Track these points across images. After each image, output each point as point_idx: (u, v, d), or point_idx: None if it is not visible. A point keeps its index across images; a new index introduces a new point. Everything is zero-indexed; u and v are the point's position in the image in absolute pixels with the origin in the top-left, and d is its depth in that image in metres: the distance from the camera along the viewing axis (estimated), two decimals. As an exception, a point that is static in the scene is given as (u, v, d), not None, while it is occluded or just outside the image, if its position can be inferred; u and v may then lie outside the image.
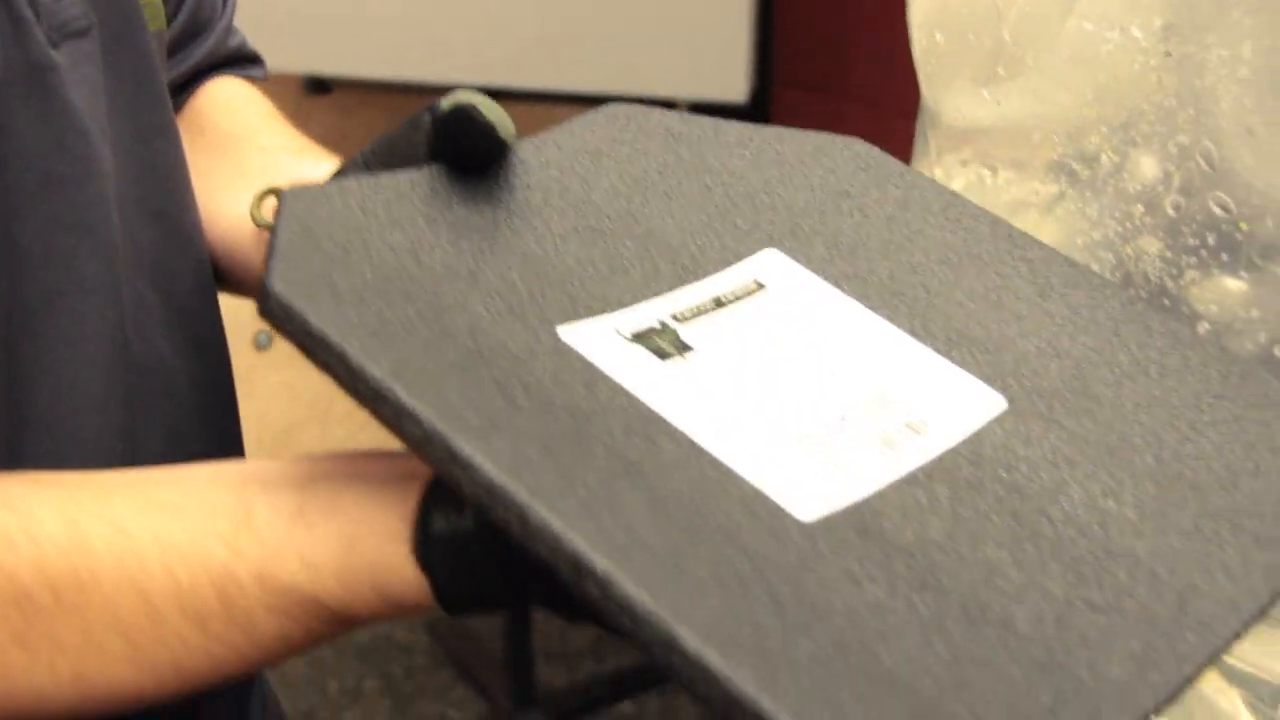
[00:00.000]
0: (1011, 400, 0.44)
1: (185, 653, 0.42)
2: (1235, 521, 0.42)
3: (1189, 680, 0.38)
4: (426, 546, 0.38)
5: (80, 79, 0.51)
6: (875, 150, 0.53)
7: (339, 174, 0.52)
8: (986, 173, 0.58)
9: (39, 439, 0.51)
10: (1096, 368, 0.46)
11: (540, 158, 0.48)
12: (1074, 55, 0.53)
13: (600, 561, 0.34)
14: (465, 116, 0.45)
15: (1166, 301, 0.52)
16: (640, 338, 0.44)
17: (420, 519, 0.39)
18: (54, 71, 0.49)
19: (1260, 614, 0.41)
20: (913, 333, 0.46)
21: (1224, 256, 0.50)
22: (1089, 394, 0.45)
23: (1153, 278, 0.52)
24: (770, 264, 0.47)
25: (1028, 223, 0.56)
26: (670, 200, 0.48)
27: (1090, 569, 0.40)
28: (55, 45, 0.50)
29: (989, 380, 0.44)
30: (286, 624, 0.41)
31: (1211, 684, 0.64)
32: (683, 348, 0.44)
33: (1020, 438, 0.43)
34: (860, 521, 0.39)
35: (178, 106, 0.70)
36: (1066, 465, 0.42)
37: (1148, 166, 0.52)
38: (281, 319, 0.39)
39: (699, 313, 0.45)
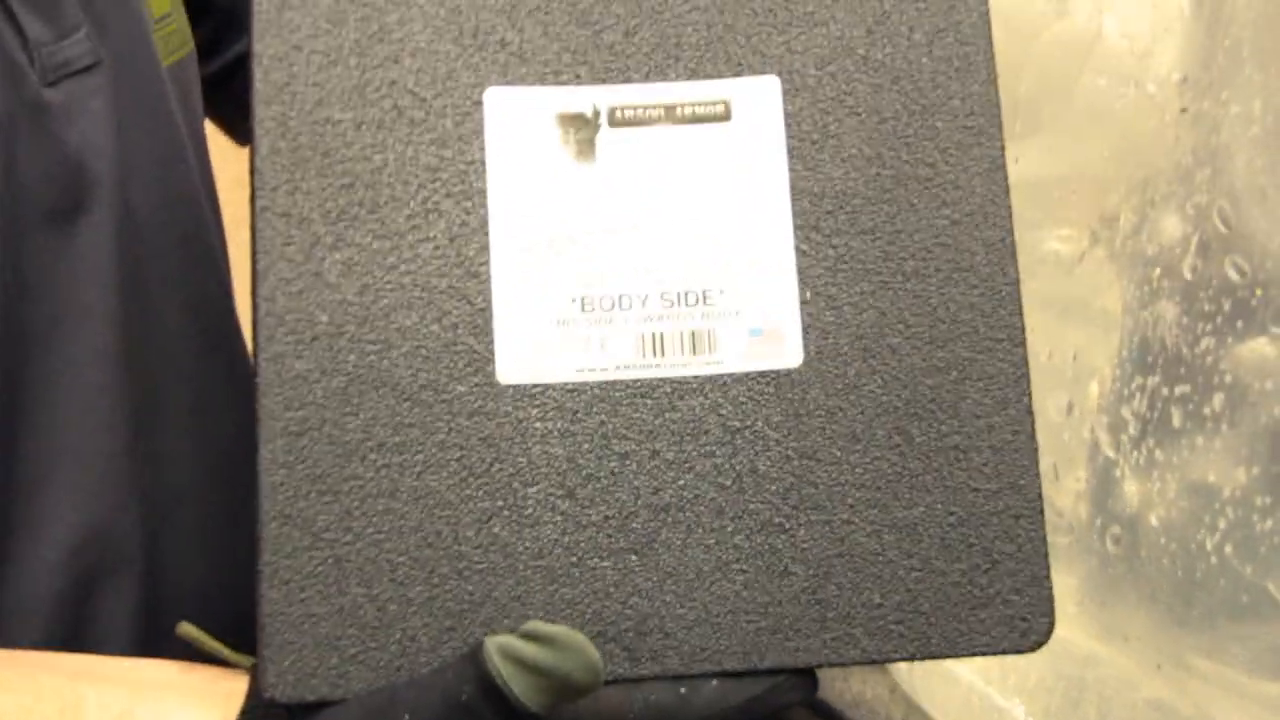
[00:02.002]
0: (808, 358, 0.43)
1: None
2: None
3: None
4: None
5: (81, 113, 0.53)
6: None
7: None
8: (1014, 232, 0.56)
9: (52, 459, 0.54)
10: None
11: None
12: (1090, 111, 0.51)
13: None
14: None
15: (1183, 370, 0.49)
16: (556, 126, 0.43)
17: None
18: (47, 111, 0.52)
19: None
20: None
21: (1239, 324, 0.47)
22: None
23: (1169, 344, 0.49)
24: (757, 94, 0.44)
25: (1049, 281, 0.54)
26: None
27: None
28: (53, 84, 0.52)
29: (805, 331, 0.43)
30: None
31: None
32: (588, 154, 0.43)
33: (792, 402, 0.42)
34: (542, 403, 0.42)
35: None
36: (802, 457, 0.42)
37: (1169, 226, 0.50)
38: None
39: (642, 121, 0.44)
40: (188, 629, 0.44)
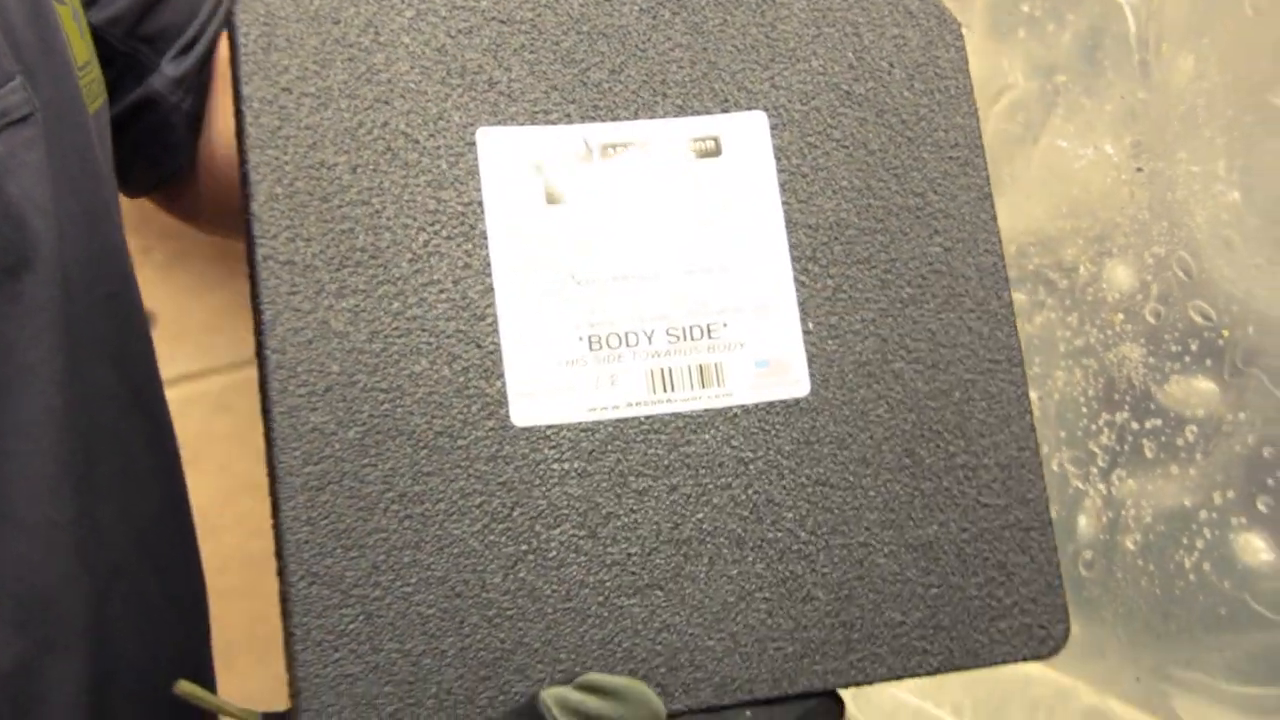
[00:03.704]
0: (815, 387, 0.45)
1: None
2: None
3: None
4: None
5: (19, 165, 0.50)
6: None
7: None
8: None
9: None
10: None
11: None
12: (1049, 172, 0.55)
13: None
14: None
15: (1151, 405, 0.54)
16: (550, 165, 0.44)
17: None
18: None
19: None
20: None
21: (1208, 362, 0.52)
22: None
23: (1137, 383, 0.54)
24: (745, 129, 0.45)
25: (1006, 331, 0.58)
26: (714, 7, 0.46)
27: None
28: None
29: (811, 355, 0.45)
30: None
31: None
32: (584, 193, 0.44)
33: (803, 430, 0.44)
34: (558, 443, 0.42)
35: (208, 78, 0.68)
36: (816, 484, 0.44)
37: (1123, 276, 0.54)
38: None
39: (635, 158, 0.44)
40: (187, 687, 0.42)
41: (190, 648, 0.62)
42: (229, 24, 0.43)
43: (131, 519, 0.58)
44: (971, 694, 0.67)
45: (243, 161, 0.42)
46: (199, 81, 0.68)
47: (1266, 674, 0.51)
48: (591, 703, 0.39)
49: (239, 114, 0.42)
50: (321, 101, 0.42)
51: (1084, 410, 0.56)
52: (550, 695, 0.39)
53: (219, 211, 0.72)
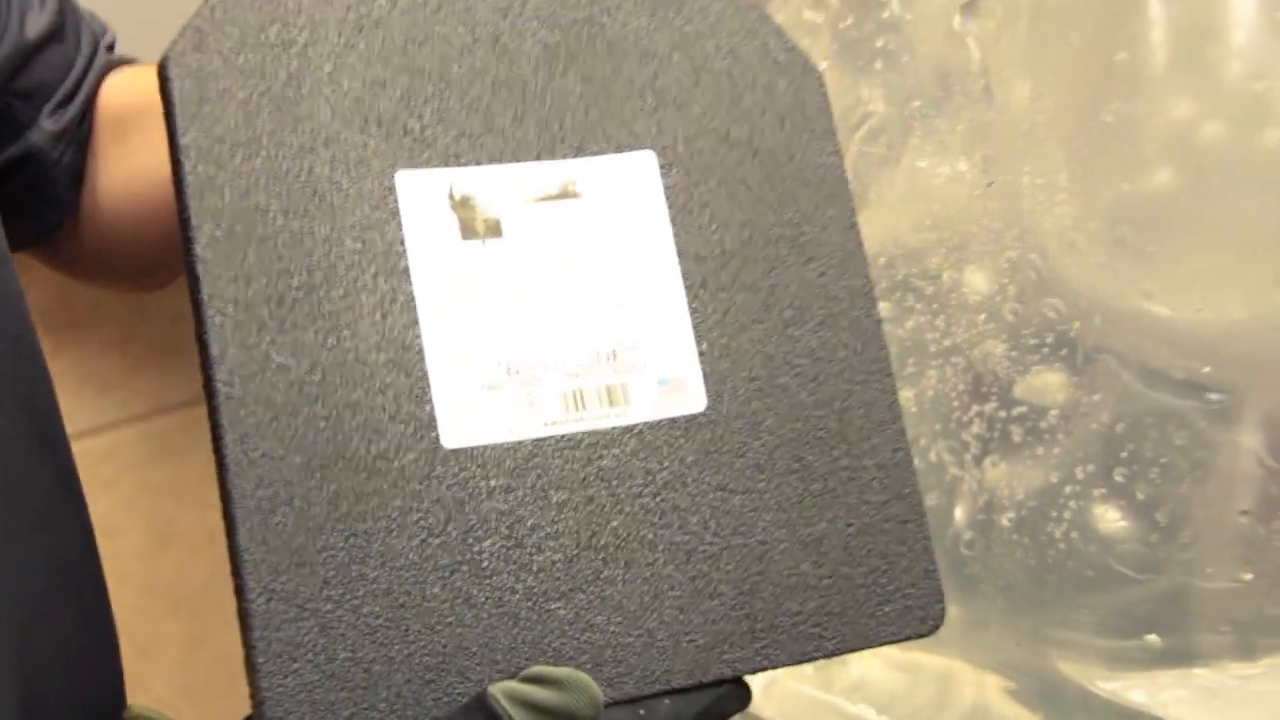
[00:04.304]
0: (711, 403, 0.49)
1: None
2: None
3: None
4: None
5: None
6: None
7: None
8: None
9: None
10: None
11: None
12: (910, 189, 0.61)
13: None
14: None
15: (1017, 394, 0.59)
16: (463, 205, 0.48)
17: None
18: None
19: None
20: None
21: (1063, 352, 0.58)
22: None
23: (1001, 375, 0.60)
24: (637, 169, 0.50)
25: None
26: (602, 60, 0.51)
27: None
28: None
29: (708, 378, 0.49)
30: None
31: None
32: (495, 230, 0.48)
33: (702, 442, 0.48)
34: (484, 462, 0.46)
35: (88, 132, 0.67)
36: (717, 490, 0.48)
37: (982, 280, 0.60)
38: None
39: (541, 196, 0.48)
40: (139, 710, 0.44)
41: (108, 678, 0.62)
42: (161, 77, 0.45)
43: (50, 557, 0.58)
44: (863, 690, 0.71)
45: (182, 208, 0.44)
46: (79, 135, 0.69)
47: (1129, 628, 0.57)
48: (537, 693, 0.42)
49: (177, 163, 0.45)
50: (252, 150, 0.45)
51: (955, 404, 0.61)
52: (498, 688, 0.42)
53: (102, 262, 0.73)
